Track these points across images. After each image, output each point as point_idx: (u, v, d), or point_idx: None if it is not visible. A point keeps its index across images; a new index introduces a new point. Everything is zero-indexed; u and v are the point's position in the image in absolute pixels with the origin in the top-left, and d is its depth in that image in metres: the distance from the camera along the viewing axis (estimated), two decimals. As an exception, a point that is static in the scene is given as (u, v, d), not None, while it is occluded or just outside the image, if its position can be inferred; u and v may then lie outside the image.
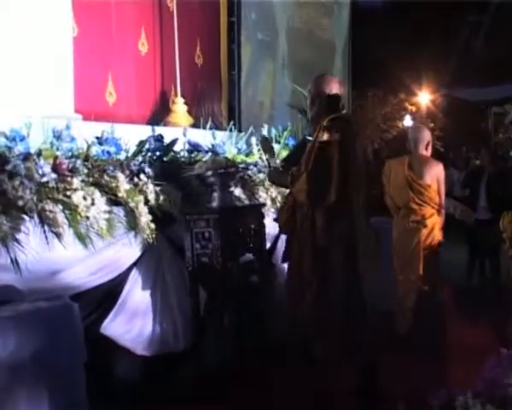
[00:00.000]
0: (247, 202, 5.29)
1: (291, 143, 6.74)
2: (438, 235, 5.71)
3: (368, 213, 4.27)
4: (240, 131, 6.64)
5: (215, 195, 4.73)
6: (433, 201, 5.64)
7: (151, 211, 4.26)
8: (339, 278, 4.00)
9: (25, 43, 4.66)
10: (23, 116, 4.14)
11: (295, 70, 8.53)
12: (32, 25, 4.71)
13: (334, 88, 4.26)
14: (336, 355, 4.02)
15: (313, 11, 9.16)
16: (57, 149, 4.04)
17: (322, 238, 3.98)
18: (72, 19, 5.35)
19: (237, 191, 5.16)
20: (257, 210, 5.18)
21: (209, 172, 4.70)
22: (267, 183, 5.45)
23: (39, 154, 3.78)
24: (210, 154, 5.39)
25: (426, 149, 5.77)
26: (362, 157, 4.30)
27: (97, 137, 4.35)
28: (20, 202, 3.47)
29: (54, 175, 3.70)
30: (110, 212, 3.98)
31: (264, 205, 5.36)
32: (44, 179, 3.63)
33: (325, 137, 3.96)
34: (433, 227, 5.66)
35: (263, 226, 5.11)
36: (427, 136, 5.83)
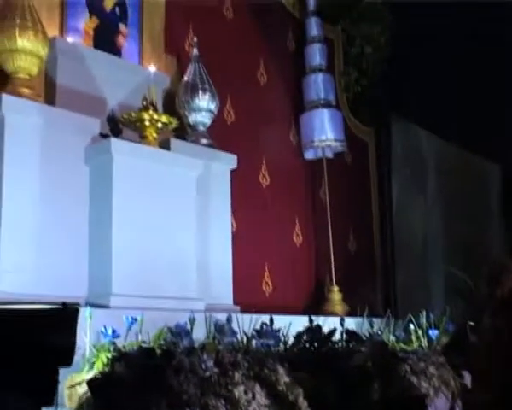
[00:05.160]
0: (408, 392, 5.07)
1: (450, 328, 6.50)
2: None
3: None
4: (396, 317, 6.52)
5: (375, 386, 4.59)
6: None
7: (314, 404, 4.18)
8: None
9: (189, 241, 4.99)
10: (187, 310, 4.34)
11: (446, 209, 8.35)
12: (194, 224, 5.06)
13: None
14: None
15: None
16: (219, 343, 4.14)
17: None
18: (232, 216, 5.69)
19: (398, 381, 4.97)
20: (419, 401, 4.94)
21: (369, 363, 4.61)
22: (428, 372, 5.23)
23: (203, 348, 3.90)
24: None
25: None
26: None
27: (256, 330, 4.43)
28: (185, 397, 3.53)
29: (216, 369, 3.77)
30: (269, 405, 3.95)
31: (426, 396, 5.12)
32: (207, 374, 3.70)
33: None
34: None
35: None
36: None
